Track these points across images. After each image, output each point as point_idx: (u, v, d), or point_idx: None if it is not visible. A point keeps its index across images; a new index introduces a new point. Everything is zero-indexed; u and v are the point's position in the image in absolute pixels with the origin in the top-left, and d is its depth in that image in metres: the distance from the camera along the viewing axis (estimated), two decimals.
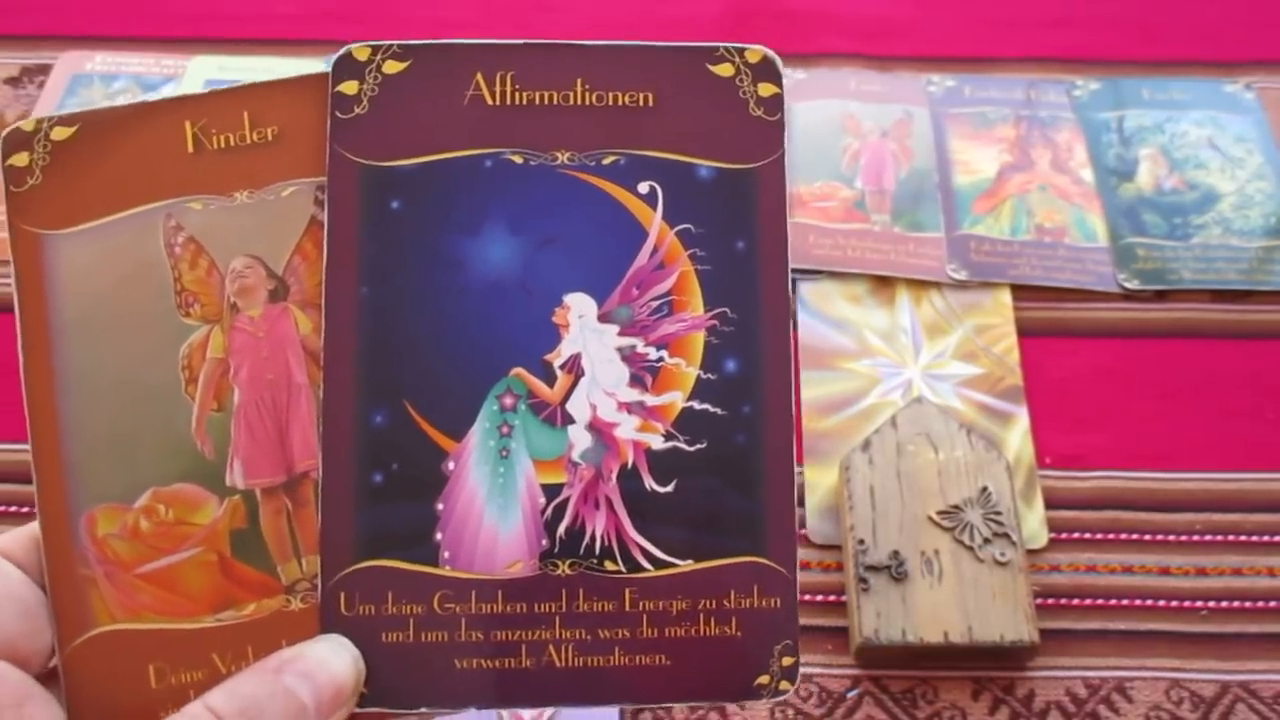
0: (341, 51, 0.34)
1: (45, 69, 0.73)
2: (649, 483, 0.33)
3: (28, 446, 0.33)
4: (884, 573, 0.52)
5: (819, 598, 0.54)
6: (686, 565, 0.33)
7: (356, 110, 0.33)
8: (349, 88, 0.33)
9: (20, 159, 0.33)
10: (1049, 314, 0.64)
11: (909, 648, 0.50)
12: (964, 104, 0.72)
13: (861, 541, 0.53)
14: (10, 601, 0.32)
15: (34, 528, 0.33)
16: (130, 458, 0.33)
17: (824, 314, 0.63)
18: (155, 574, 0.33)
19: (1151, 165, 0.70)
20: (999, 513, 0.53)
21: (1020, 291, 0.64)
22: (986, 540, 0.53)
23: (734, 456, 0.33)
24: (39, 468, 0.33)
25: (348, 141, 0.33)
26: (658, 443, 0.33)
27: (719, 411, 0.33)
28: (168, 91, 0.70)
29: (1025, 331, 0.63)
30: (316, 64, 0.73)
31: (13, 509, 0.56)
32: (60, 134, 0.33)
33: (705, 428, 0.33)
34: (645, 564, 0.33)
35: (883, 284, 0.65)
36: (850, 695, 0.51)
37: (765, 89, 0.34)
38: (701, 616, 0.33)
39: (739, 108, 0.34)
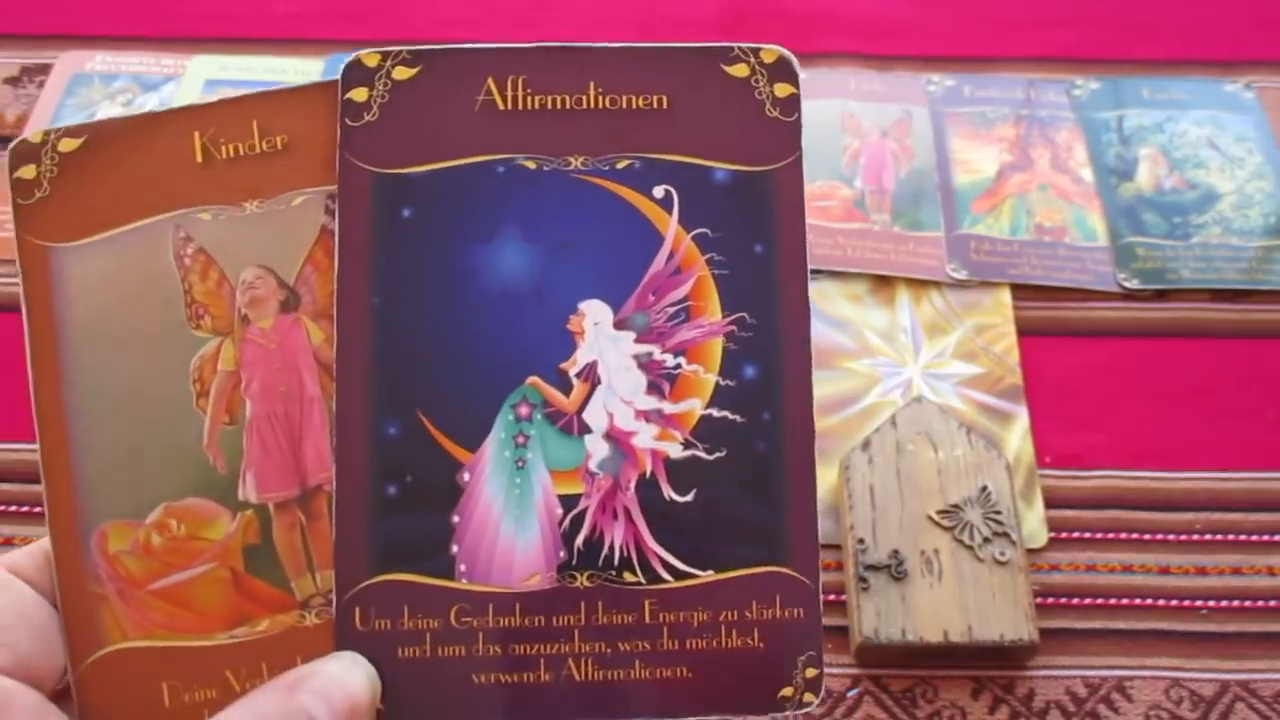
0: (350, 58, 0.33)
1: (45, 69, 0.73)
2: (668, 492, 0.33)
3: (36, 453, 0.32)
4: (884, 572, 0.52)
5: None
6: (707, 576, 0.32)
7: (367, 117, 0.33)
8: (359, 94, 0.33)
9: (28, 171, 0.33)
10: (1049, 313, 0.64)
11: (909, 647, 0.50)
12: (964, 104, 0.72)
13: (861, 541, 0.53)
14: (22, 620, 0.32)
15: (45, 544, 0.33)
16: (141, 473, 0.33)
17: (824, 313, 0.63)
18: (167, 590, 0.33)
19: (1151, 165, 0.70)
20: (999, 512, 0.53)
21: (1020, 291, 0.64)
22: (986, 539, 0.53)
23: (754, 464, 0.33)
24: (49, 484, 0.33)
25: (358, 149, 0.33)
26: (676, 451, 0.33)
27: (738, 419, 0.33)
28: (168, 91, 0.71)
29: (1025, 331, 0.63)
30: (316, 64, 0.74)
31: (22, 509, 0.56)
32: (68, 145, 0.33)
33: (724, 435, 0.33)
34: (665, 575, 0.32)
35: (883, 283, 0.65)
36: (850, 694, 0.51)
37: (781, 89, 0.33)
38: (723, 628, 0.32)
39: (755, 109, 0.33)
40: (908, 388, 0.61)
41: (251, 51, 0.74)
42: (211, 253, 0.33)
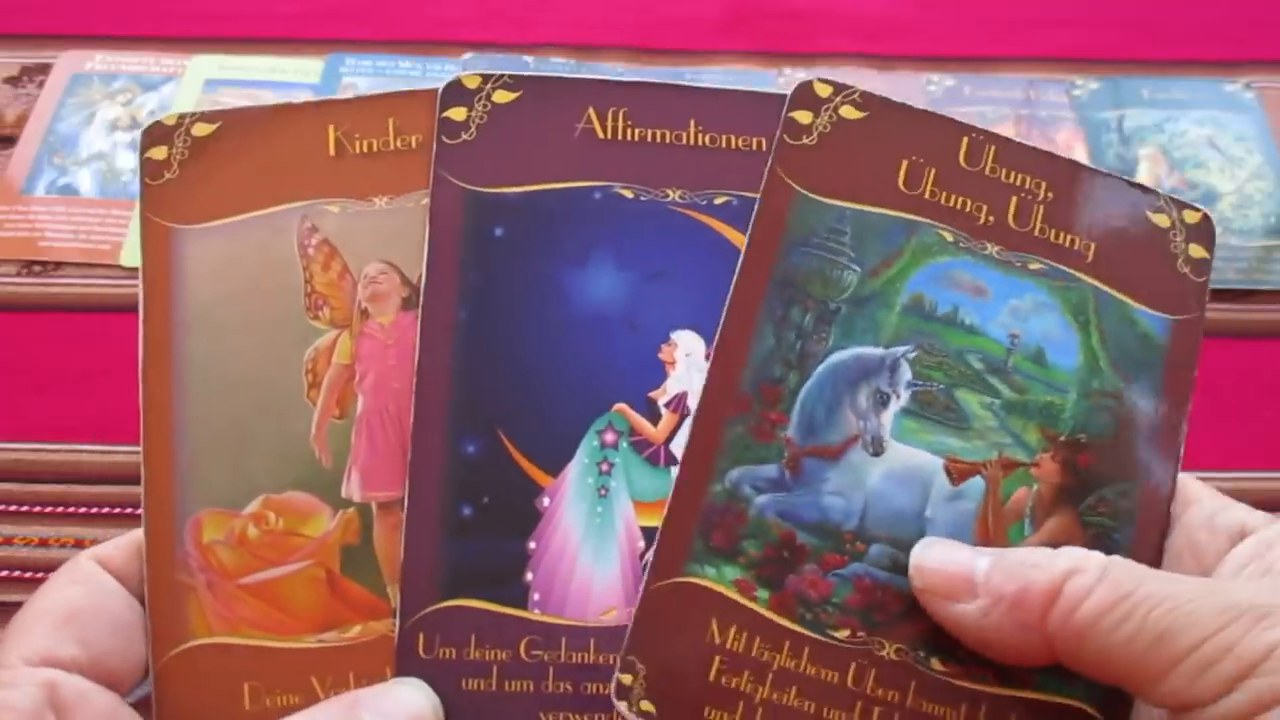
0: (451, 79, 0.34)
1: (45, 68, 0.73)
2: None
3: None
4: None
5: None
6: None
7: (464, 136, 0.33)
8: (457, 114, 0.33)
9: (159, 152, 0.33)
10: None
11: None
12: (964, 103, 0.72)
13: None
14: (101, 616, 0.30)
15: (137, 535, 0.32)
16: (243, 461, 0.32)
17: None
18: (259, 586, 0.32)
19: (1151, 164, 0.70)
20: None
21: None
22: None
23: None
24: (148, 465, 0.32)
25: (453, 166, 0.33)
26: None
27: None
28: (168, 91, 0.71)
29: None
30: (316, 64, 0.74)
31: (32, 509, 0.56)
32: (202, 130, 0.33)
33: None
34: None
35: None
36: None
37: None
38: None
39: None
40: None
41: (251, 51, 0.74)
42: (336, 244, 0.33)
